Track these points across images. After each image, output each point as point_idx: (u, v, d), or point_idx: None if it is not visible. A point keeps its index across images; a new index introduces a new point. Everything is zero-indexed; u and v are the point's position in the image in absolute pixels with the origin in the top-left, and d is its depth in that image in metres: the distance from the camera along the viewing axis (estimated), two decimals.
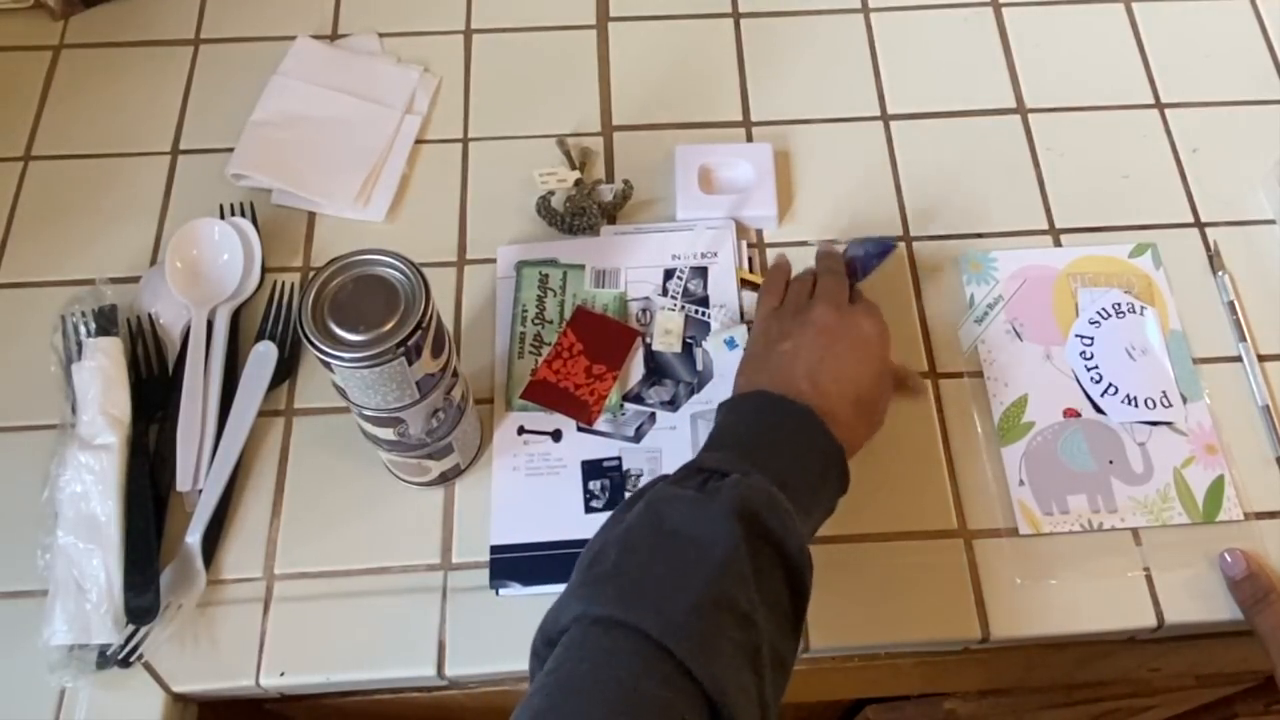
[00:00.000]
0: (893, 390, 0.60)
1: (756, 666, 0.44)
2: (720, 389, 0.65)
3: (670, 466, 0.62)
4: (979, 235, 0.73)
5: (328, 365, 0.51)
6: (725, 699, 0.41)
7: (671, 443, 0.64)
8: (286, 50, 0.79)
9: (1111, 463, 0.64)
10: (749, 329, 0.67)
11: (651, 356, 0.67)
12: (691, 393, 0.65)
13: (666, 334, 0.67)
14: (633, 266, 0.70)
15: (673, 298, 0.68)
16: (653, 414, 0.65)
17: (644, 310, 0.68)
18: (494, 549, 0.61)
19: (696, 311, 0.68)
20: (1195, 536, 0.62)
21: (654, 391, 0.65)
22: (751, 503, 0.47)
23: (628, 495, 0.60)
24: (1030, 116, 0.78)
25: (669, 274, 0.69)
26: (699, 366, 0.66)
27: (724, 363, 0.66)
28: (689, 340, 0.67)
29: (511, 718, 0.41)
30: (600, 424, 0.65)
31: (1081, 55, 0.81)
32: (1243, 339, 0.68)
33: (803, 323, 0.59)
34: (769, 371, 0.57)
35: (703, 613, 0.43)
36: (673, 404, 0.65)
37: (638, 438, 0.64)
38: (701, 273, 0.69)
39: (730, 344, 0.66)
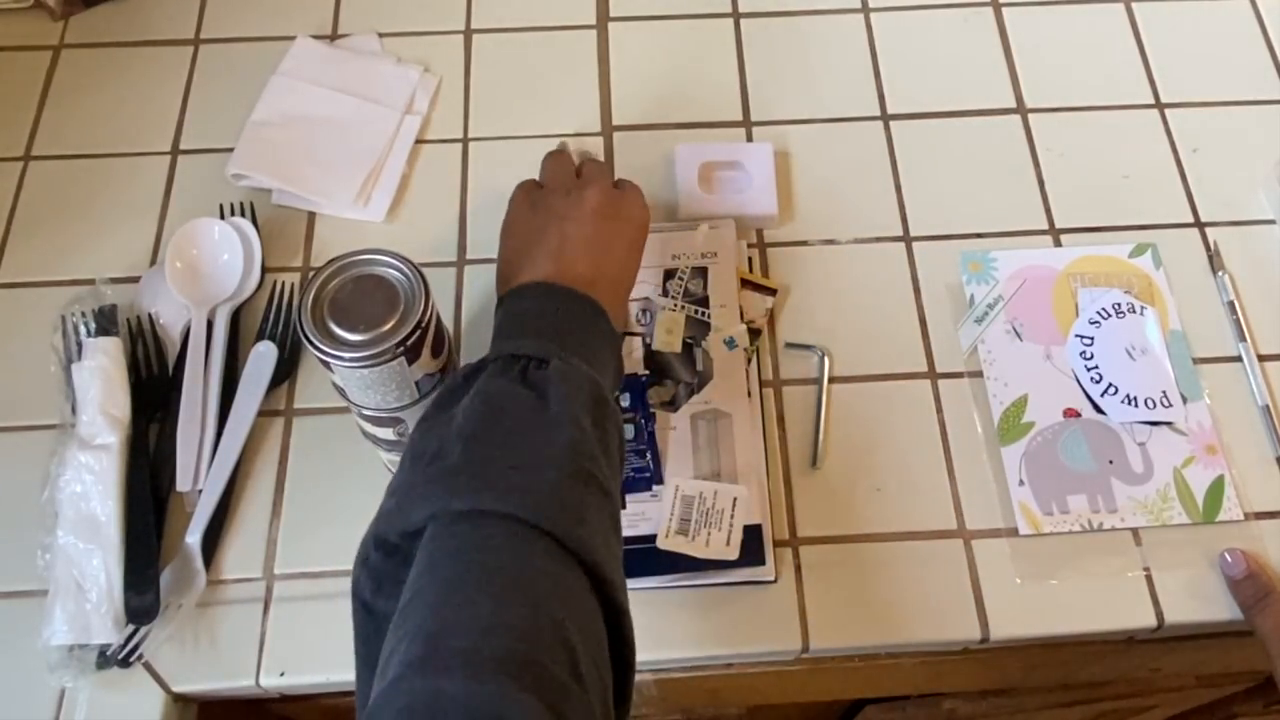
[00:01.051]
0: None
1: (616, 530, 0.47)
2: (719, 389, 0.65)
3: (669, 465, 0.63)
4: (979, 235, 0.73)
5: (327, 365, 0.51)
6: (600, 566, 0.43)
7: (672, 443, 0.64)
8: (286, 50, 0.79)
9: (1111, 463, 0.64)
10: (748, 329, 0.67)
11: (652, 357, 0.67)
12: (691, 393, 0.65)
13: (667, 334, 0.67)
14: None
15: (673, 298, 0.68)
16: (653, 414, 0.65)
17: (644, 310, 0.68)
18: None
19: (697, 311, 0.68)
20: (1195, 536, 0.62)
21: (654, 392, 0.65)
22: (584, 386, 0.48)
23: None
24: (1030, 116, 0.78)
25: (669, 274, 0.69)
26: (699, 366, 0.66)
27: (724, 363, 0.66)
28: (689, 340, 0.67)
29: (392, 626, 0.40)
30: None
31: (1081, 55, 0.81)
32: (1243, 339, 0.68)
33: (577, 204, 0.58)
34: (547, 256, 0.56)
35: (565, 491, 0.44)
36: (673, 404, 0.65)
37: (634, 433, 0.64)
38: (702, 273, 0.69)
39: (730, 344, 0.66)
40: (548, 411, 0.46)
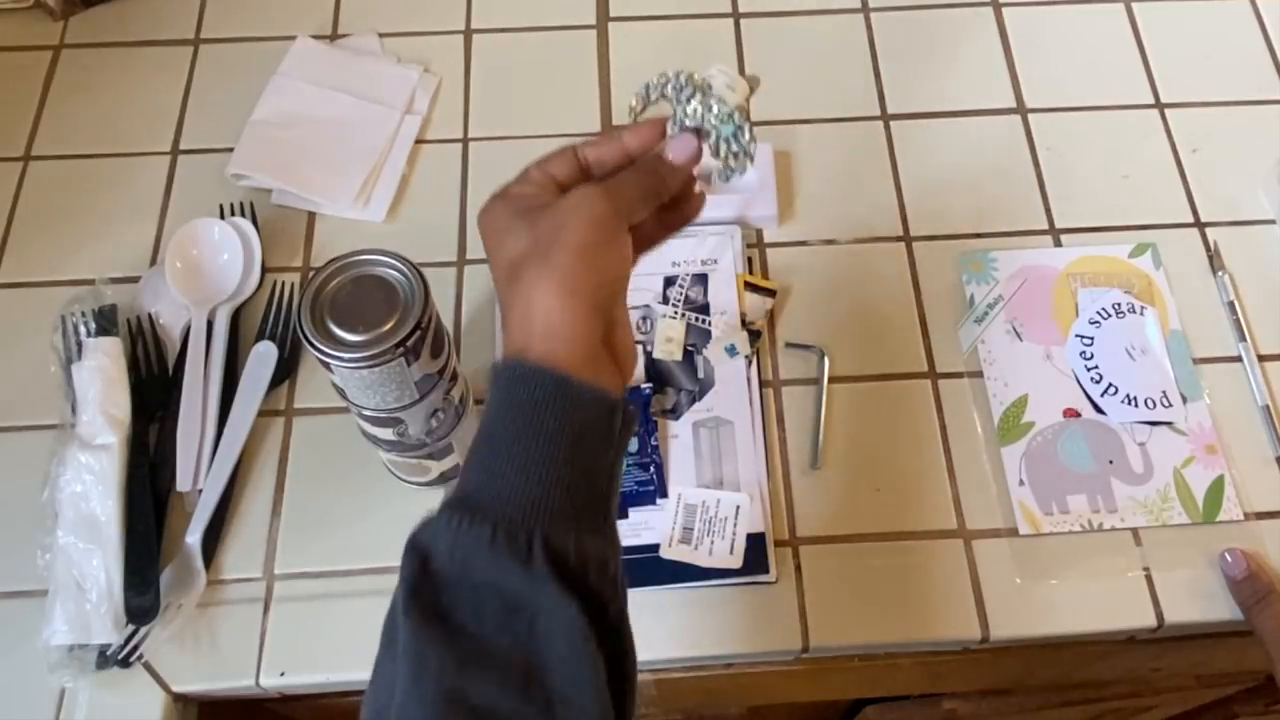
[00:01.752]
0: (603, 222, 0.44)
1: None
2: (721, 397, 0.65)
3: (672, 473, 0.63)
4: (979, 235, 0.73)
5: (327, 365, 0.51)
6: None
7: (674, 451, 0.64)
8: (286, 50, 0.79)
9: (1111, 463, 0.64)
10: (749, 335, 0.67)
11: (653, 365, 0.67)
12: (693, 401, 0.65)
13: (668, 342, 0.67)
14: (633, 274, 0.69)
15: (673, 306, 0.68)
16: (655, 424, 0.65)
17: (644, 319, 0.68)
18: None
19: (697, 319, 0.68)
20: (1195, 536, 0.62)
21: (655, 400, 0.65)
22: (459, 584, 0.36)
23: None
24: (1030, 116, 0.78)
25: (669, 281, 0.69)
26: (700, 374, 0.66)
27: (726, 370, 0.66)
28: (690, 348, 0.67)
29: None
30: None
31: (1081, 55, 0.81)
32: (1243, 339, 0.68)
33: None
34: (507, 333, 0.42)
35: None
36: (674, 413, 0.65)
37: (639, 446, 0.64)
38: (702, 280, 0.69)
39: (731, 351, 0.66)
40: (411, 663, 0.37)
